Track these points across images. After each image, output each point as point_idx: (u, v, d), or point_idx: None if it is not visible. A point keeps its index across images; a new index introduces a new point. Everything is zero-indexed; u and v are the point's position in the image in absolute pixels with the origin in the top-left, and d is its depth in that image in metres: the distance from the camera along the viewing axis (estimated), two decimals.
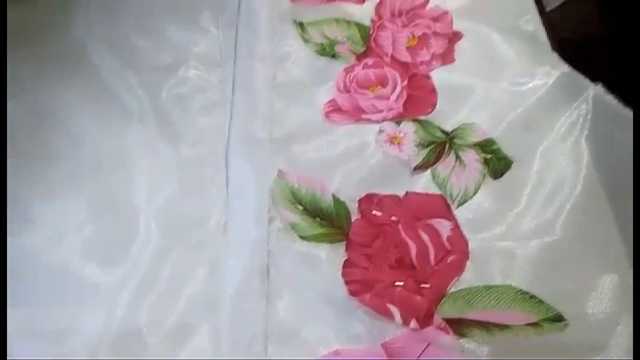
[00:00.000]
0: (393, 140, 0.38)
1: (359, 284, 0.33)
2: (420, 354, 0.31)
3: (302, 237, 0.35)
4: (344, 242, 0.35)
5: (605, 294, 0.32)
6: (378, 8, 0.43)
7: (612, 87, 0.38)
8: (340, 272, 0.33)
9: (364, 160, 0.37)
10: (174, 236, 0.35)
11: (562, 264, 0.33)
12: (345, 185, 0.36)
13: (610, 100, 0.37)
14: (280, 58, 0.41)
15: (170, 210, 0.36)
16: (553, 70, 0.40)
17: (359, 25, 0.43)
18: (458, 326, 0.32)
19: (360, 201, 0.36)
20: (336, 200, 0.35)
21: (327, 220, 0.35)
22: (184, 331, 0.32)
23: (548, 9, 0.48)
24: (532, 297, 0.32)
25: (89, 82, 0.41)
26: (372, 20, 0.43)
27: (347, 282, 0.33)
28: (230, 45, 0.42)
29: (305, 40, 0.42)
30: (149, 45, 0.42)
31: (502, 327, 0.31)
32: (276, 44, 0.42)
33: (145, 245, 0.35)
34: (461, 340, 0.31)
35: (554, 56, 0.40)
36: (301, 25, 0.43)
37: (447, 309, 0.32)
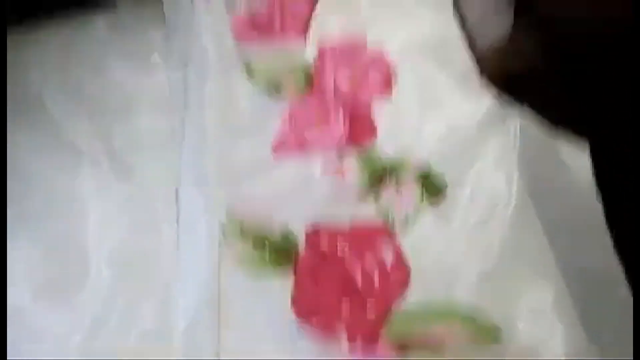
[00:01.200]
0: (337, 171, 0.40)
1: (307, 308, 0.34)
2: None
3: (251, 269, 0.36)
4: (292, 271, 0.36)
5: (541, 307, 0.34)
6: (320, 48, 0.46)
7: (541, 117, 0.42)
8: (289, 300, 0.35)
9: (310, 192, 0.39)
10: (125, 275, 0.36)
11: (499, 280, 0.35)
12: (292, 217, 0.38)
13: (535, 126, 0.40)
14: (227, 98, 0.43)
15: (121, 250, 0.37)
16: (482, 101, 0.43)
17: (302, 64, 0.45)
18: (402, 346, 0.33)
19: (307, 232, 0.37)
20: (284, 232, 0.37)
21: (276, 251, 0.37)
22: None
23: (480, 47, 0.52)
24: (473, 315, 0.34)
25: (42, 127, 0.42)
26: (315, 60, 0.45)
27: (295, 308, 0.34)
28: (180, 86, 0.44)
29: (252, 80, 0.45)
30: (101, 89, 0.44)
31: (444, 346, 0.33)
32: (224, 84, 0.44)
33: (97, 286, 0.35)
34: None
35: (483, 89, 0.43)
36: (248, 66, 0.45)
37: (391, 330, 0.33)
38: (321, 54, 0.46)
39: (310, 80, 0.44)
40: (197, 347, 0.33)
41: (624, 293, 0.34)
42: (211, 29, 0.47)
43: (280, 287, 0.35)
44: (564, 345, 0.33)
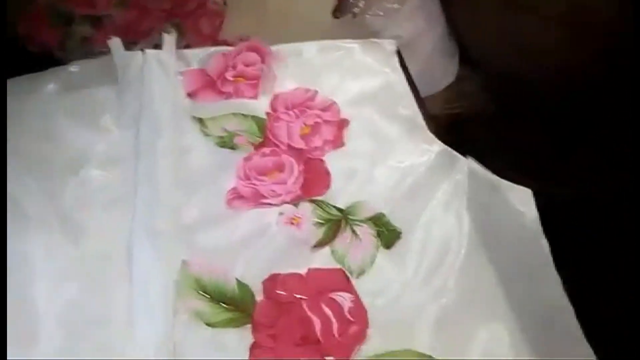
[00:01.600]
0: (292, 221, 0.40)
1: None
2: None
3: (208, 324, 0.35)
4: (250, 325, 0.35)
5: (494, 350, 0.35)
6: (272, 102, 0.47)
7: (486, 159, 0.44)
8: (247, 355, 0.34)
9: (265, 242, 0.39)
10: (77, 339, 0.35)
11: (453, 324, 0.36)
12: (248, 269, 0.38)
13: (482, 170, 0.42)
14: (181, 151, 0.44)
15: (73, 312, 0.35)
16: (431, 147, 0.45)
17: (255, 118, 0.46)
18: None
19: (264, 282, 0.37)
20: (240, 284, 0.37)
21: (232, 304, 0.36)
22: None
23: (428, 94, 0.55)
24: (431, 358, 0.34)
25: None
26: (267, 113, 0.47)
27: None
28: (131, 143, 0.44)
29: (206, 135, 0.45)
30: (51, 149, 0.43)
31: None
32: (177, 139, 0.44)
33: (47, 349, 0.34)
34: None
35: (430, 135, 0.45)
36: (201, 120, 0.46)
37: None
38: (273, 107, 0.47)
39: (264, 132, 0.45)
40: None
41: (578, 333, 0.35)
42: (163, 84, 0.47)
43: (238, 343, 0.35)
44: None
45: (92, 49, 0.56)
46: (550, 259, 0.38)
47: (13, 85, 0.46)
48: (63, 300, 0.36)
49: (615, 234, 0.48)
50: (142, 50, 0.49)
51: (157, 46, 0.50)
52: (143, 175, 0.42)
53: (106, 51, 0.48)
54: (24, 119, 0.45)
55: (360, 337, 0.35)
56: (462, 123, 0.71)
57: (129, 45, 0.51)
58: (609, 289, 0.44)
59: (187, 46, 0.54)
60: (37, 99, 0.47)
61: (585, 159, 0.57)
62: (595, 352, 0.34)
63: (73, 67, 0.49)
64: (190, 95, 0.48)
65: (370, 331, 0.35)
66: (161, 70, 0.48)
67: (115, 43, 0.48)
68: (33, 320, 0.35)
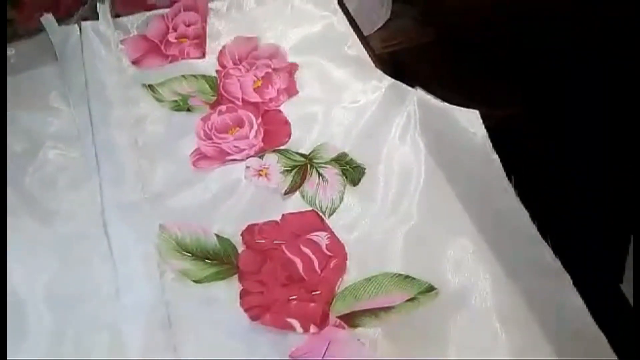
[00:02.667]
0: (260, 172, 0.41)
1: (257, 308, 0.36)
2: (324, 353, 0.34)
3: (196, 281, 0.37)
4: (236, 275, 0.37)
5: (461, 257, 0.38)
6: (220, 59, 0.47)
7: (429, 89, 0.46)
8: (238, 303, 0.36)
9: (238, 196, 0.40)
10: (66, 315, 0.35)
11: (422, 242, 0.39)
12: (225, 223, 0.39)
13: (431, 99, 0.45)
14: (136, 121, 0.43)
15: (56, 290, 0.36)
16: (380, 84, 0.46)
17: (205, 78, 0.46)
18: (351, 319, 0.35)
19: (242, 234, 0.39)
20: (220, 238, 0.38)
21: (216, 259, 0.38)
22: None
23: (365, 34, 0.56)
24: (406, 277, 0.37)
25: None
26: (217, 71, 0.47)
27: (246, 310, 0.36)
28: (85, 119, 0.43)
29: (158, 100, 0.45)
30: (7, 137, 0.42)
31: (387, 309, 0.36)
32: (130, 109, 0.44)
33: (39, 330, 0.35)
34: (356, 331, 0.35)
35: (378, 71, 0.47)
36: (151, 87, 0.45)
37: (338, 308, 0.36)
38: (222, 64, 0.47)
39: (217, 90, 0.46)
40: None
41: (533, 231, 0.39)
42: (105, 55, 0.46)
43: (227, 293, 0.36)
44: (490, 285, 0.37)
45: (18, 31, 0.54)
46: (502, 171, 0.41)
47: None
48: (44, 280, 0.36)
49: (554, 144, 0.52)
50: (77, 23, 0.47)
51: (86, 19, 0.49)
52: (102, 149, 0.42)
53: (33, 30, 0.47)
54: None
55: (342, 269, 0.38)
56: (402, 58, 0.73)
57: (60, 21, 0.49)
58: (556, 192, 0.48)
59: (117, 15, 0.53)
60: None
61: (522, 81, 0.60)
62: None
63: (8, 51, 0.47)
64: (135, 62, 0.47)
65: (348, 263, 0.38)
66: (101, 42, 0.47)
67: (47, 20, 0.46)
68: (19, 305, 0.35)
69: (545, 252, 0.38)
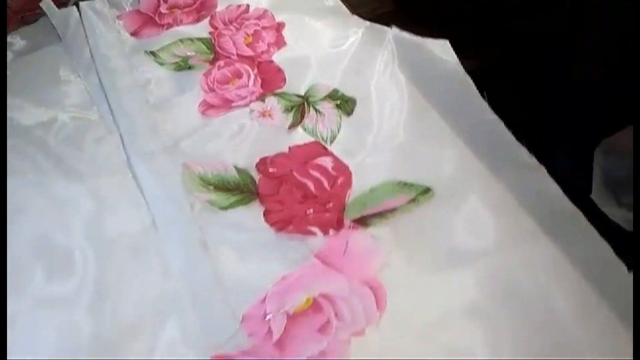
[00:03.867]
0: (264, 114, 0.46)
1: (281, 222, 0.41)
2: (344, 251, 0.39)
3: (222, 208, 0.41)
4: (257, 200, 0.42)
5: (449, 162, 0.44)
6: (211, 22, 0.52)
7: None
8: (263, 220, 0.41)
9: (246, 135, 0.45)
10: (109, 252, 0.39)
11: (414, 154, 0.44)
12: (239, 160, 0.44)
13: (407, 35, 0.50)
14: (144, 84, 0.48)
15: (95, 232, 0.40)
16: (359, 29, 0.51)
17: (201, 39, 0.51)
18: (362, 222, 0.41)
19: (257, 166, 0.43)
20: (239, 170, 0.43)
21: (237, 189, 0.42)
22: (152, 326, 0.37)
23: None
24: (405, 183, 0.43)
25: None
26: (210, 32, 0.51)
27: (271, 225, 0.40)
28: (96, 87, 0.47)
29: (161, 64, 0.49)
30: (23, 107, 0.46)
31: (392, 210, 0.41)
32: (136, 75, 0.48)
33: (87, 272, 0.39)
34: (368, 230, 0.40)
35: (355, 18, 0.52)
36: (152, 53, 0.50)
37: (350, 214, 0.41)
38: (214, 26, 0.52)
39: (213, 49, 0.50)
40: (199, 283, 0.38)
41: (509, 136, 0.44)
42: (105, 30, 0.50)
43: (252, 216, 0.41)
44: (477, 181, 0.43)
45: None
46: (474, 89, 0.47)
47: None
48: (81, 225, 0.40)
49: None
50: (75, 5, 0.51)
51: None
52: (117, 111, 0.46)
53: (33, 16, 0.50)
54: None
55: (348, 184, 0.43)
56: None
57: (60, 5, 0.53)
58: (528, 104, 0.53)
59: None
60: None
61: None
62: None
63: (12, 39, 0.50)
64: (134, 34, 0.51)
65: (353, 179, 0.43)
66: (99, 19, 0.51)
67: (47, 4, 0.50)
68: (62, 253, 0.39)
69: (521, 151, 0.44)
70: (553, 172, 0.43)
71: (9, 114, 0.46)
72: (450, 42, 0.49)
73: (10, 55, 0.49)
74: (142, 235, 0.40)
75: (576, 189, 0.52)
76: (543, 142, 0.49)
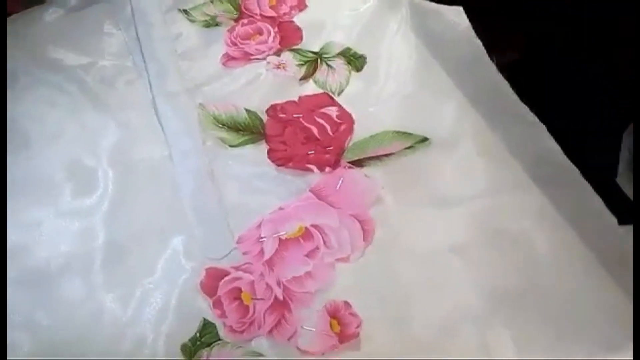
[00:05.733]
0: (279, 66, 0.50)
1: (282, 159, 0.44)
2: (339, 187, 0.42)
3: (232, 146, 0.45)
4: (263, 140, 0.45)
5: (450, 115, 0.46)
6: None
7: None
8: (266, 157, 0.44)
9: (261, 84, 0.49)
10: (129, 172, 0.44)
11: (416, 106, 0.46)
12: (252, 104, 0.47)
13: (421, 1, 0.52)
14: (175, 36, 0.52)
15: (118, 156, 0.45)
16: None
17: (229, 0, 0.55)
18: (358, 163, 0.43)
19: (267, 111, 0.47)
20: (249, 112, 0.46)
21: (247, 129, 0.46)
22: (159, 238, 0.41)
23: None
24: (404, 132, 0.45)
25: (25, 93, 0.49)
26: None
27: (273, 161, 0.44)
28: (133, 38, 0.52)
29: (191, 21, 0.54)
30: (68, 53, 0.51)
31: (389, 154, 0.44)
32: (169, 28, 0.53)
33: (107, 183, 0.43)
34: (363, 170, 0.43)
35: None
36: (185, 11, 0.54)
37: (348, 157, 0.44)
38: None
39: (239, 9, 0.54)
40: (204, 207, 0.42)
41: (512, 95, 0.46)
42: None
43: (257, 153, 0.45)
44: (476, 134, 0.45)
45: None
46: (483, 51, 0.48)
47: (15, 20, 0.54)
48: (108, 148, 0.45)
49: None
50: None
51: None
52: (148, 57, 0.51)
53: None
54: (31, 44, 0.53)
55: (350, 131, 0.45)
56: None
57: None
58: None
59: None
60: (41, 26, 0.55)
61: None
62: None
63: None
64: None
65: (355, 127, 0.46)
66: None
67: None
68: (88, 175, 0.44)
69: (522, 108, 0.45)
70: (580, 155, 0.43)
71: (56, 57, 0.52)
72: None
73: (62, 12, 0.55)
74: (159, 162, 0.44)
75: (602, 171, 0.52)
76: (571, 125, 0.49)
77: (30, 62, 0.51)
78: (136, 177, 0.44)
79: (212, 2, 0.55)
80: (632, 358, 0.32)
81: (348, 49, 0.51)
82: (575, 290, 0.37)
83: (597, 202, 0.40)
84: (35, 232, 0.41)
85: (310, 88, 0.49)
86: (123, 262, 0.40)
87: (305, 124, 0.46)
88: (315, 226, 0.41)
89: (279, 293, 0.38)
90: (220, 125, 0.46)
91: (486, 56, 0.48)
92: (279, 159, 0.44)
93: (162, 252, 0.40)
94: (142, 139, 0.46)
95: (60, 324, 0.38)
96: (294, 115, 0.47)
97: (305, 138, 0.45)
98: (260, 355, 0.36)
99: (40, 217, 0.42)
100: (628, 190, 0.47)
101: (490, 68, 0.47)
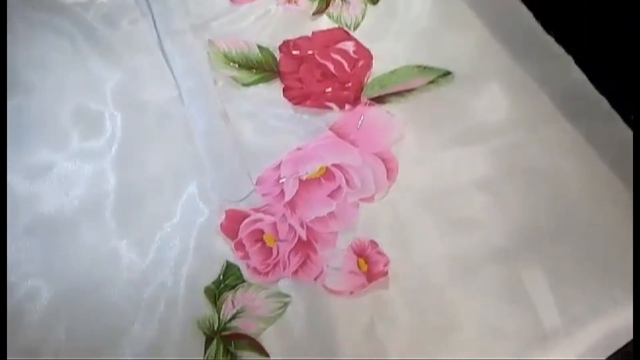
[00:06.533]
0: (290, 0, 0.47)
1: (299, 97, 0.42)
2: (359, 124, 0.40)
3: (244, 85, 0.43)
4: (278, 78, 0.43)
5: (472, 47, 0.43)
6: None
7: None
8: (282, 96, 0.42)
9: (271, 19, 0.46)
10: (137, 115, 0.42)
11: (437, 39, 0.44)
12: (264, 39, 0.45)
13: None
14: None
15: (126, 99, 0.42)
16: None
17: None
18: (379, 100, 0.41)
19: (279, 47, 0.44)
20: (262, 48, 0.44)
21: (260, 67, 0.44)
22: (173, 182, 0.39)
23: None
24: (426, 67, 0.43)
25: (25, 40, 0.46)
26: None
27: (289, 100, 0.42)
28: None
29: None
30: None
31: (411, 90, 0.42)
32: None
33: (115, 126, 0.41)
34: (384, 106, 0.41)
35: None
36: None
37: (368, 93, 0.42)
38: None
39: None
40: (218, 148, 0.40)
41: (535, 25, 0.43)
42: None
43: (272, 92, 0.42)
44: (500, 69, 0.42)
45: None
46: None
47: None
48: (113, 92, 0.43)
49: None
50: None
51: None
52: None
53: None
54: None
55: (368, 66, 0.43)
56: None
57: None
58: None
59: None
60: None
61: None
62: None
63: None
64: None
65: (374, 62, 0.43)
66: None
67: None
68: (95, 118, 0.42)
69: (547, 39, 0.43)
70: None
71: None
72: None
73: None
74: (168, 104, 0.42)
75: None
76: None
77: (27, 5, 0.48)
78: (145, 121, 0.42)
79: None
80: None
81: None
82: (609, 225, 0.36)
83: (629, 134, 0.38)
84: (46, 177, 0.39)
85: (324, 23, 0.46)
86: (138, 206, 0.39)
87: (321, 60, 0.44)
88: (336, 166, 0.39)
89: (302, 234, 0.37)
90: (231, 63, 0.44)
91: None
92: (295, 97, 0.42)
93: (178, 195, 0.39)
94: (150, 80, 0.43)
95: (77, 270, 0.37)
96: (308, 52, 0.44)
97: (321, 75, 0.43)
98: (287, 296, 0.35)
99: (51, 161, 0.40)
100: None
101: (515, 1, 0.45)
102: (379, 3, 0.47)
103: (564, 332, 0.33)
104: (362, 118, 0.40)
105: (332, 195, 0.38)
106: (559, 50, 0.42)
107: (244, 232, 0.37)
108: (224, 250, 0.37)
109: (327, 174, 0.39)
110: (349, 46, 0.44)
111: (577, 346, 0.34)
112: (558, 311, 0.34)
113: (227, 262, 0.36)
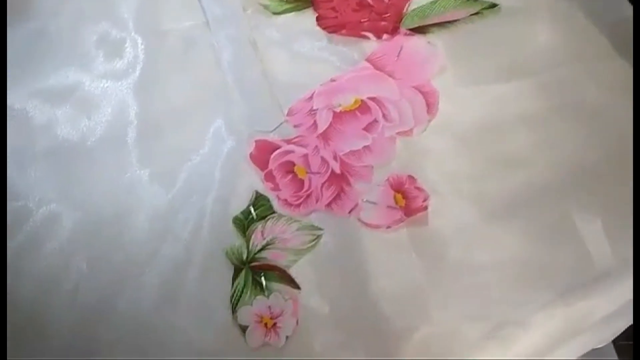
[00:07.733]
0: None
1: (334, 26, 0.39)
2: (398, 55, 0.38)
3: (275, 14, 0.40)
4: (311, 7, 0.40)
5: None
6: None
7: None
8: (315, 25, 0.39)
9: None
10: (160, 41, 0.39)
11: None
12: None
13: None
14: None
15: (149, 24, 0.40)
16: None
17: None
18: (419, 30, 0.39)
19: None
20: None
21: None
22: (199, 112, 0.37)
23: None
24: None
25: None
26: None
27: (323, 28, 0.39)
28: None
29: None
30: None
31: (454, 21, 0.39)
32: None
33: (136, 51, 0.39)
34: (425, 37, 0.38)
35: None
36: None
37: (407, 23, 0.39)
38: None
39: None
40: (247, 78, 0.38)
41: None
42: None
43: (304, 21, 0.40)
44: (547, 3, 0.39)
45: None
46: None
47: None
48: (135, 17, 0.40)
49: None
50: None
51: None
52: None
53: None
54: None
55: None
56: None
57: None
58: None
59: None
60: None
61: None
62: None
63: None
64: None
65: None
66: None
67: None
68: (118, 44, 0.39)
69: None
70: None
71: None
72: None
73: None
74: (193, 30, 0.40)
75: None
76: None
77: None
78: (168, 47, 0.39)
79: None
80: None
81: None
82: None
83: None
84: (68, 100, 0.37)
85: None
86: (162, 136, 0.37)
87: None
88: (372, 99, 0.37)
89: (335, 167, 0.35)
90: None
91: None
92: (330, 26, 0.39)
93: (205, 125, 0.37)
94: (174, 6, 0.41)
95: (97, 199, 0.35)
96: None
97: (357, 4, 0.40)
98: (319, 229, 0.33)
99: (74, 83, 0.38)
100: None
101: None
102: None
103: (615, 274, 0.31)
104: (401, 48, 0.38)
105: (367, 128, 0.36)
106: None
107: (274, 164, 0.35)
108: (253, 181, 0.35)
109: (362, 106, 0.37)
110: None
111: (625, 291, 0.32)
112: (612, 252, 0.31)
113: (257, 192, 0.34)
